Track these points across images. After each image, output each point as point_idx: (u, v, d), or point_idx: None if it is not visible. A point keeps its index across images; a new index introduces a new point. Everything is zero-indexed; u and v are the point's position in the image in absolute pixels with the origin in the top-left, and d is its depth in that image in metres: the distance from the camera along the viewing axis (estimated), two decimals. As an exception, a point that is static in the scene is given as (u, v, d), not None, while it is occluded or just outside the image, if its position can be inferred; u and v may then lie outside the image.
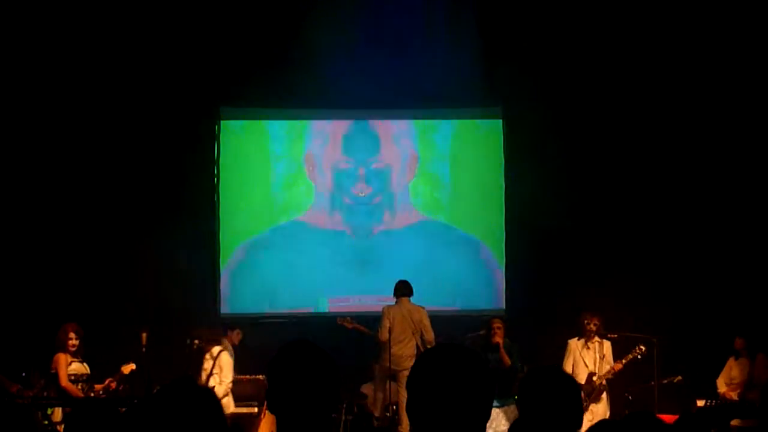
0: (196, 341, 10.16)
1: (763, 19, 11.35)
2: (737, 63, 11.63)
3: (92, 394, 9.16)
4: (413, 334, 10.45)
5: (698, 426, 4.55)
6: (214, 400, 2.48)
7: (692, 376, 10.38)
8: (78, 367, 9.20)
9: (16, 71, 11.42)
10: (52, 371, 9.13)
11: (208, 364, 10.06)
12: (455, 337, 10.23)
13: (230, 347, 11.25)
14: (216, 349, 10.03)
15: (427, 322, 10.55)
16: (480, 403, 2.46)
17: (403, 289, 10.67)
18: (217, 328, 10.32)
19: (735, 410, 9.66)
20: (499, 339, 9.68)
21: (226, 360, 10.21)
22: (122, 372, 9.37)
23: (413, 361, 10.43)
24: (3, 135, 11.52)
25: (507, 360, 9.56)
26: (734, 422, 9.16)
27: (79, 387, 9.11)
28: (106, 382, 9.33)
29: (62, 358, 9.08)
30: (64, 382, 9.01)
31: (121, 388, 9.42)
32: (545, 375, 3.24)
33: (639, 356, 9.85)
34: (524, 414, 3.18)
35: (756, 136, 11.73)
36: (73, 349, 9.15)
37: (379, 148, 12.83)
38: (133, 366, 9.39)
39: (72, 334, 9.15)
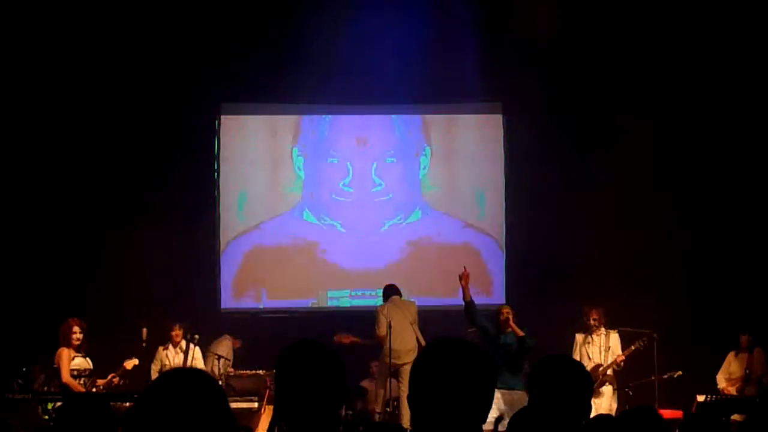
0: (196, 336, 10.22)
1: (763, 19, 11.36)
2: (737, 62, 11.62)
3: (94, 389, 9.15)
4: (411, 324, 10.44)
5: (700, 423, 4.54)
6: (218, 388, 2.47)
7: (692, 372, 10.37)
8: (81, 362, 9.19)
9: (20, 68, 11.39)
10: (55, 366, 9.12)
11: (178, 358, 10.10)
12: (456, 331, 10.21)
13: (231, 350, 11.24)
14: (184, 343, 10.14)
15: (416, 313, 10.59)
16: (481, 397, 2.47)
17: (391, 291, 10.69)
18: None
19: (735, 405, 9.67)
20: (509, 316, 9.51)
21: (200, 354, 10.31)
22: (125, 367, 9.38)
23: (415, 354, 10.49)
24: (6, 130, 11.51)
25: (519, 331, 9.37)
26: (735, 417, 9.16)
27: (81, 382, 9.11)
28: (109, 377, 9.33)
29: (65, 353, 9.07)
30: (66, 377, 8.99)
31: (122, 383, 9.42)
32: (557, 363, 3.27)
33: (641, 348, 9.88)
34: (534, 401, 3.20)
35: (757, 134, 11.73)
36: (77, 343, 9.15)
37: (382, 143, 12.81)
38: (136, 361, 9.40)
39: (76, 328, 9.15)
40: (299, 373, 2.83)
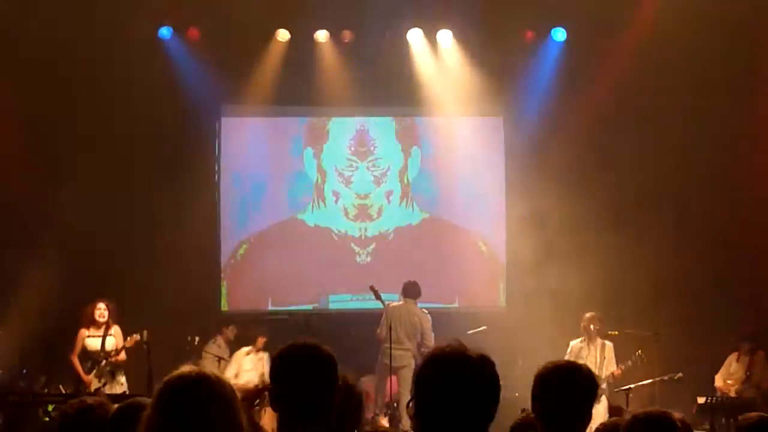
0: (197, 338, 10.25)
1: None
2: (738, 66, 11.63)
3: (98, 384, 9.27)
4: (409, 338, 10.45)
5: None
6: (232, 391, 2.51)
7: (693, 374, 10.37)
8: (91, 343, 9.45)
9: (22, 72, 11.40)
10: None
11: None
12: (455, 335, 10.20)
13: (224, 344, 11.24)
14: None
15: (427, 326, 10.54)
16: (484, 408, 2.45)
17: (408, 290, 10.69)
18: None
19: (735, 407, 9.66)
20: None
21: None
22: (125, 345, 9.60)
23: (410, 359, 10.48)
24: (8, 133, 11.51)
25: None
26: (735, 419, 9.15)
27: (88, 365, 9.30)
28: (113, 357, 9.43)
29: (81, 333, 9.55)
30: (73, 355, 9.29)
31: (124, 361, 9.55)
32: (563, 369, 3.24)
33: (639, 363, 9.86)
34: (538, 406, 3.18)
35: (758, 136, 11.73)
36: (101, 320, 9.55)
37: (382, 146, 12.80)
38: (137, 337, 9.49)
39: (100, 305, 9.65)
40: (294, 372, 2.85)
